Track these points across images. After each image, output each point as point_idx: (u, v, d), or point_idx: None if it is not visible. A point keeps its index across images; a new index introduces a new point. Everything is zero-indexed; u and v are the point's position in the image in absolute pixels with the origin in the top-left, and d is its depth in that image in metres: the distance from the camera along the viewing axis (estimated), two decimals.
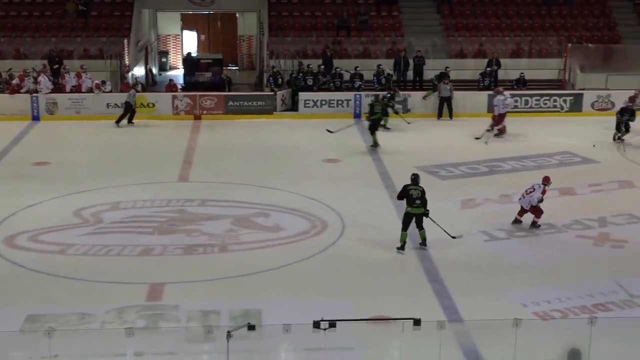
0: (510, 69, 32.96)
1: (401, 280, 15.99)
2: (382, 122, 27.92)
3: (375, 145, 25.70)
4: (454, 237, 17.55)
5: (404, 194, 17.34)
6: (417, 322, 10.80)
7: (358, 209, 20.00)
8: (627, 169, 23.74)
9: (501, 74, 32.77)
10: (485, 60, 33.14)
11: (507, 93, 28.71)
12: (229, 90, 32.19)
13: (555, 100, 31.02)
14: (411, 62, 32.78)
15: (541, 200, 18.74)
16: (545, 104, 30.87)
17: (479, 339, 12.81)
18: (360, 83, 31.64)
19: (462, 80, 32.41)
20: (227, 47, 41.60)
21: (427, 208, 17.23)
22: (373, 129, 26.09)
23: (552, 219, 19.29)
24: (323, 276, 16.17)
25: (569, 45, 33.84)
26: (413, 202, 17.17)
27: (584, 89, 31.86)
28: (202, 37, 42.58)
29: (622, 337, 12.91)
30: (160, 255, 17.21)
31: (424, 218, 17.30)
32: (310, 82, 31.33)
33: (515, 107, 30.29)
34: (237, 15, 41.64)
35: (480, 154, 25.31)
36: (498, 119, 27.62)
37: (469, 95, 31.09)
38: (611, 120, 29.07)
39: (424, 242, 17.36)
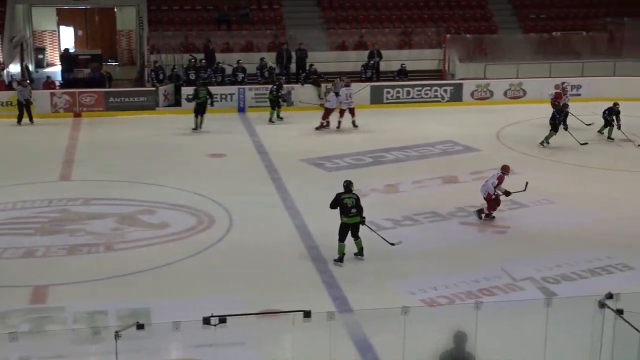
0: (391, 60, 33.38)
1: (291, 273, 15.98)
2: (273, 117, 28.04)
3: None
4: (392, 244, 16.81)
5: (337, 203, 16.31)
6: (307, 314, 10.77)
7: (245, 203, 19.91)
8: (507, 157, 24.28)
9: (383, 66, 33.15)
10: (367, 52, 33.45)
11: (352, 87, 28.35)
12: (110, 87, 31.58)
13: (436, 91, 31.57)
14: (294, 54, 32.83)
15: (501, 190, 18.62)
16: (427, 94, 31.38)
17: (369, 328, 12.91)
18: (243, 76, 31.51)
19: (344, 72, 32.62)
20: (106, 42, 40.78)
21: (363, 215, 16.47)
22: (197, 112, 27.15)
23: (436, 207, 19.61)
24: (212, 272, 16.03)
25: (448, 36, 34.49)
26: (349, 211, 16.18)
27: (463, 79, 32.53)
28: (80, 32, 41.61)
29: (506, 320, 13.24)
30: (43, 256, 16.74)
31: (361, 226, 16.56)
32: (192, 76, 31.01)
33: (398, 97, 30.70)
34: (115, 9, 40.87)
35: (365, 145, 25.54)
36: (326, 114, 27.57)
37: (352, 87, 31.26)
38: (491, 109, 29.87)
39: (360, 252, 16.49)
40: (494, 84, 31.72)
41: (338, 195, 16.42)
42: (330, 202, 16.43)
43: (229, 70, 31.72)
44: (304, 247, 17.25)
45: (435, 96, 31.49)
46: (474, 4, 37.48)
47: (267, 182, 21.74)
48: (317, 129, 27.24)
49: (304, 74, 31.45)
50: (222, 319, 10.55)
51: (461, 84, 31.90)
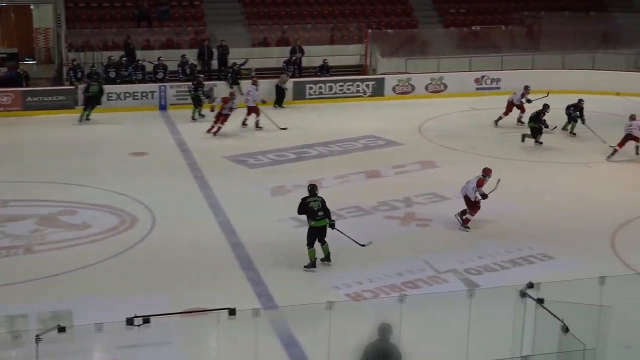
0: (313, 55, 33.40)
1: (215, 271, 15.88)
2: (195, 115, 27.89)
3: None
4: (363, 245, 16.54)
5: (303, 207, 16.00)
6: (232, 311, 10.72)
7: (168, 201, 19.71)
8: (428, 150, 24.56)
9: (305, 61, 33.17)
10: (289, 48, 33.42)
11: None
12: (27, 86, 30.93)
13: (358, 86, 31.71)
14: (215, 51, 32.63)
15: (481, 194, 18.24)
16: (349, 89, 31.49)
17: (294, 324, 12.92)
18: (164, 74, 31.19)
19: (267, 68, 32.58)
20: (23, 40, 39.90)
21: (332, 218, 16.20)
22: (87, 105, 27.63)
23: (359, 201, 19.70)
24: (135, 272, 15.84)
25: (369, 31, 34.65)
26: (315, 214, 15.83)
27: (385, 74, 32.72)
28: None
29: (430, 312, 13.36)
30: None
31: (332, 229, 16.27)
32: (112, 74, 30.58)
33: (320, 93, 30.75)
34: (32, 7, 40.05)
35: (288, 141, 25.51)
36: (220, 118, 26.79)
37: (274, 83, 31.21)
38: (413, 103, 30.13)
39: (327, 258, 16.10)
40: (415, 78, 31.98)
41: (303, 200, 16.11)
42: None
43: (149, 68, 31.36)
44: (228, 244, 17.16)
45: (358, 91, 31.62)
46: None
47: (190, 180, 21.57)
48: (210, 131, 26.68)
49: (230, 72, 31.09)
50: (146, 319, 10.43)
51: (383, 79, 32.09)
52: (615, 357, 11.94)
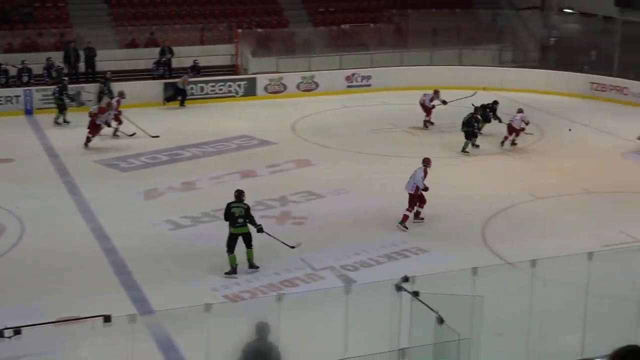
0: (183, 56, 33.04)
1: (88, 278, 15.52)
2: (60, 119, 27.17)
3: None
4: (292, 247, 16.36)
5: (227, 212, 15.77)
6: (107, 318, 10.49)
7: (37, 209, 19.15)
8: (302, 149, 24.63)
9: (175, 62, 32.78)
10: (158, 49, 32.96)
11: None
12: None
13: (230, 86, 31.53)
14: (82, 53, 31.89)
15: (425, 187, 18.41)
16: (221, 89, 31.28)
17: (172, 328, 12.75)
18: (29, 77, 30.28)
19: (136, 70, 32.05)
20: None
21: (259, 223, 15.92)
22: None
23: None
24: (5, 282, 15.33)
25: (240, 30, 34.53)
26: (235, 221, 15.64)
27: (256, 74, 32.66)
28: None
29: (308, 310, 13.41)
30: None
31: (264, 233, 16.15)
32: None
33: (192, 94, 30.46)
34: None
35: (160, 143, 25.15)
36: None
37: (144, 85, 30.75)
38: (285, 102, 30.16)
39: (249, 264, 15.91)
40: (287, 77, 32.05)
41: (228, 205, 15.86)
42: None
43: (13, 72, 30.37)
44: (101, 249, 16.80)
45: (229, 91, 31.45)
46: None
47: (59, 185, 21.01)
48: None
49: (102, 81, 30.10)
50: (17, 331, 10.12)
51: (254, 79, 32.03)
52: (488, 345, 12.22)
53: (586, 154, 23.97)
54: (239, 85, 31.54)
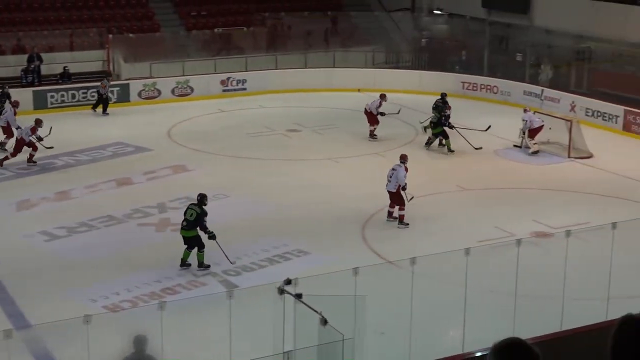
0: (53, 63, 32.22)
1: None
2: None
3: None
4: (233, 263, 16.23)
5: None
6: None
7: None
8: (179, 154, 24.34)
9: (44, 69, 31.92)
10: (26, 56, 32.03)
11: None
12: None
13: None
14: None
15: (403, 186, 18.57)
16: (93, 96, 30.56)
17: (51, 342, 12.40)
18: None
19: (4, 78, 31.05)
20: None
21: (211, 230, 15.98)
22: None
23: (112, 210, 19.23)
24: None
25: (110, 36, 33.90)
26: (182, 222, 16.10)
27: (129, 79, 32.13)
28: None
29: (191, 317, 13.26)
30: None
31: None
32: None
33: (63, 101, 29.74)
34: None
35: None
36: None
37: (12, 93, 29.77)
38: (160, 107, 29.77)
39: (199, 264, 16.01)
40: (161, 82, 31.62)
41: (188, 205, 16.40)
42: None
43: None
44: None
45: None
46: (134, 2, 37.09)
47: None
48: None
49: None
50: None
51: (128, 85, 31.48)
52: (372, 344, 12.36)
53: (458, 152, 24.47)
54: (111, 92, 30.92)
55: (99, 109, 29.35)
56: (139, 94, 31.23)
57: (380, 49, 36.62)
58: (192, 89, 31.86)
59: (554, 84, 30.84)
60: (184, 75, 32.13)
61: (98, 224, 18.55)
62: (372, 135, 25.99)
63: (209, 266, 16.04)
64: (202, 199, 16.24)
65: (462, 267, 12.74)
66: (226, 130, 26.99)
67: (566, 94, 29.18)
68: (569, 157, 23.88)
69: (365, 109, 26.23)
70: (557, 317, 13.06)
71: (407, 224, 18.54)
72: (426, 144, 24.85)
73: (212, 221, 18.76)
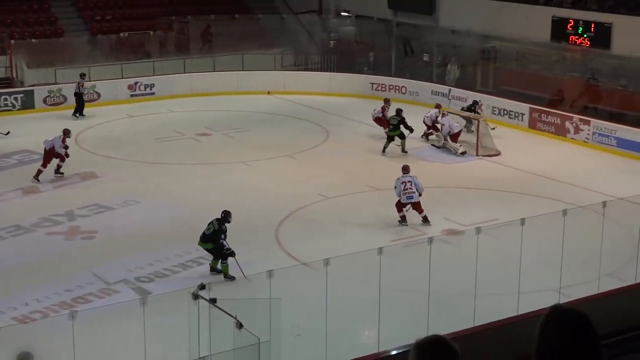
0: None
1: None
2: None
3: None
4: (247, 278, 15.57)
5: None
6: None
7: None
8: (87, 161, 23.90)
9: None
10: None
11: None
12: None
13: (5, 99, 30.15)
14: None
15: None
16: None
17: None
18: None
19: None
20: None
21: (229, 248, 15.81)
22: None
23: (19, 219, 18.79)
24: None
25: (12, 42, 33.11)
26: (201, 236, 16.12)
27: (33, 85, 31.44)
28: None
29: (104, 325, 13.04)
30: None
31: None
32: None
33: None
34: None
35: None
36: None
37: None
38: (66, 114, 29.20)
39: (225, 274, 15.79)
40: (67, 88, 31.01)
41: None
42: None
43: None
44: None
45: (6, 105, 30.06)
46: (37, 7, 36.32)
47: None
48: None
49: None
50: None
51: (32, 91, 30.79)
52: (289, 346, 12.34)
53: (370, 152, 24.66)
54: (15, 99, 30.23)
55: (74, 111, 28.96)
56: (44, 101, 30.60)
57: (289, 51, 36.63)
58: (98, 95, 31.34)
59: (460, 84, 31.34)
60: (90, 81, 31.55)
61: (5, 233, 18.10)
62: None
63: (234, 278, 15.69)
64: (225, 216, 16.25)
65: (376, 266, 12.82)
66: (135, 136, 26.65)
67: (473, 92, 29.68)
68: (477, 155, 24.29)
69: (373, 118, 26.66)
70: (469, 313, 13.24)
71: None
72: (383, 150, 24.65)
73: (123, 227, 18.57)
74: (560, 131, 26.27)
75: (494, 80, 31.84)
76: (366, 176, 22.24)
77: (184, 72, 33.50)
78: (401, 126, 24.60)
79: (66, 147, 22.47)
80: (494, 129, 25.25)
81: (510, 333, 12.85)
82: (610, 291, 14.38)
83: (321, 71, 34.74)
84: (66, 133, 22.76)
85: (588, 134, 25.68)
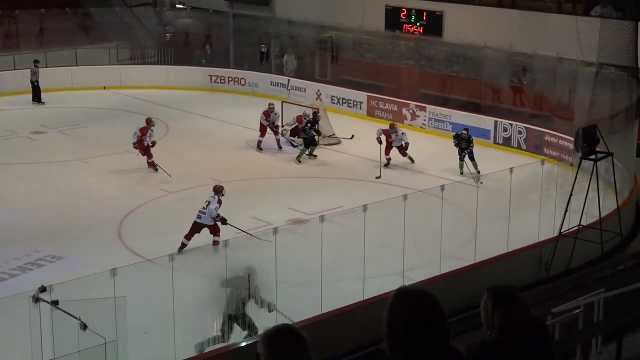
0: None
1: None
2: None
3: None
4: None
5: None
6: None
7: None
8: None
9: None
10: None
11: None
12: None
13: None
14: None
15: (218, 216, 16.73)
16: None
17: None
18: None
19: None
20: None
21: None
22: None
23: None
24: None
25: None
26: None
27: None
28: None
29: None
30: None
31: None
32: None
33: None
34: None
35: None
36: None
37: None
38: None
39: None
40: None
41: None
42: None
43: None
44: None
45: None
46: None
47: None
48: None
49: None
50: None
51: None
52: (136, 344, 12.11)
53: (211, 145, 24.51)
54: None
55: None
56: None
57: (124, 45, 35.84)
58: None
59: (299, 74, 31.54)
60: None
61: None
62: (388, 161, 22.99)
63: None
64: (220, 190, 16.92)
65: (221, 260, 12.76)
66: None
67: (312, 82, 29.97)
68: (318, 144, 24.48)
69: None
70: (317, 301, 13.37)
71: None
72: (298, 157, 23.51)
73: None
74: (397, 118, 26.84)
75: (331, 70, 32.22)
76: (209, 169, 22.07)
77: (14, 69, 32.23)
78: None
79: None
80: (352, 137, 23.95)
81: (358, 317, 13.09)
82: (450, 272, 14.87)
83: (158, 64, 34.21)
84: (149, 122, 22.47)
85: (424, 120, 26.38)
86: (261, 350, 3.78)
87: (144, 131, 22.17)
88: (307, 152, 23.48)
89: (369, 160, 23.02)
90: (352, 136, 23.81)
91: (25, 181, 21.17)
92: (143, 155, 21.98)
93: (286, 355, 3.75)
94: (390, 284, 13.52)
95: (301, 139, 23.80)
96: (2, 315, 12.37)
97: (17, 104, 29.25)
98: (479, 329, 4.93)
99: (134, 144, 21.92)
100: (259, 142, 24.31)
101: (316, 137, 23.76)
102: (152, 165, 21.93)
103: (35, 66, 29.48)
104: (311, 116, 23.83)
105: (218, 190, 17.18)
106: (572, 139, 18.01)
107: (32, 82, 29.38)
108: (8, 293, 14.02)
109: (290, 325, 3.87)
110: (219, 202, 16.97)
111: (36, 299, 11.06)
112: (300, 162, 23.17)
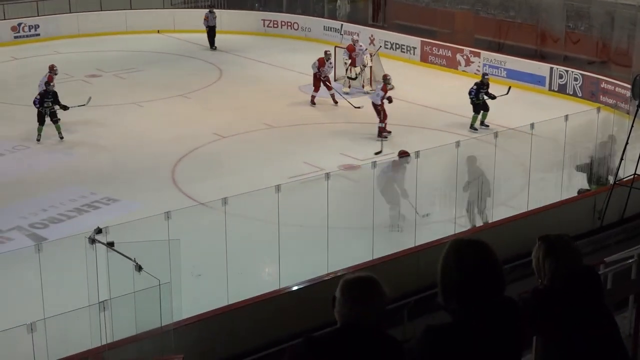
0: None
1: None
2: None
3: None
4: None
5: None
6: None
7: None
8: None
9: None
10: None
11: None
12: None
13: None
14: None
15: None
16: None
17: None
18: None
19: None
20: None
21: None
22: None
23: None
24: None
25: None
26: None
27: None
28: None
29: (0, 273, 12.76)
30: None
31: None
32: None
33: None
34: None
35: None
36: None
37: None
38: None
39: None
40: None
41: None
42: None
43: None
44: None
45: None
46: None
47: None
48: None
49: None
50: None
51: None
52: (189, 286, 12.28)
53: (264, 90, 24.52)
54: None
55: None
56: None
57: None
58: None
59: (352, 18, 31.30)
60: None
61: None
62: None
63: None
64: None
65: (274, 204, 12.83)
66: (21, 79, 25.83)
67: (365, 27, 29.72)
68: (371, 89, 24.36)
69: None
70: (368, 247, 13.41)
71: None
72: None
73: (12, 173, 18.07)
74: (451, 64, 26.58)
75: (385, 15, 31.92)
76: (262, 114, 22.13)
77: (70, 12, 32.48)
78: None
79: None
80: (359, 107, 22.79)
81: (409, 264, 13.11)
82: (502, 219, 14.80)
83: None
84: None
85: (479, 66, 26.08)
86: (338, 295, 3.83)
87: (321, 62, 23.05)
88: (480, 119, 21.31)
89: (422, 107, 22.89)
90: (359, 107, 22.84)
91: (81, 124, 21.42)
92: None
93: (360, 305, 3.80)
94: (444, 230, 13.58)
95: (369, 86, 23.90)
96: (60, 256, 12.60)
97: (74, 47, 29.51)
98: (530, 277, 4.93)
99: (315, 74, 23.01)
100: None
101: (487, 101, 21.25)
102: (332, 98, 23.05)
103: (211, 11, 29.93)
104: (482, 79, 21.64)
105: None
106: (629, 86, 17.68)
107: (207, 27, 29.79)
108: (65, 234, 14.32)
109: (371, 276, 3.90)
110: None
111: (92, 240, 11.24)
112: (476, 129, 20.95)
